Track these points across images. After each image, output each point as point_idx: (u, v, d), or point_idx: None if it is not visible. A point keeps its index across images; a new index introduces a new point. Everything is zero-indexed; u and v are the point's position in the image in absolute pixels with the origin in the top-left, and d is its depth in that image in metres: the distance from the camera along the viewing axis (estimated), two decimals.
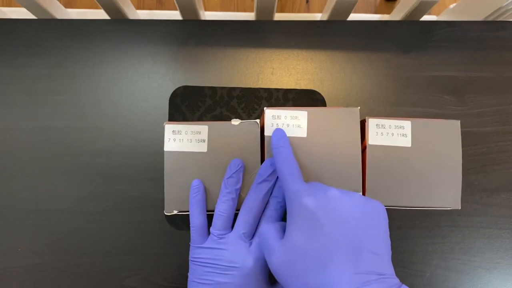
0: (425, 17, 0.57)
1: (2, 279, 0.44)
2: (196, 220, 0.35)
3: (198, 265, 0.34)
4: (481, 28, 0.49)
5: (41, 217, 0.44)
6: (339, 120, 0.35)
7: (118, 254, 0.44)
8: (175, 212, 0.36)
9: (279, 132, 0.34)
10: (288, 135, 0.35)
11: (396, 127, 0.35)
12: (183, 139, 0.35)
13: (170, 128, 0.36)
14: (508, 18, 0.51)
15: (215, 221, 0.34)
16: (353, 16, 0.55)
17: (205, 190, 0.36)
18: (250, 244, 0.33)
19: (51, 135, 0.46)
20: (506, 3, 0.48)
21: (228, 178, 0.34)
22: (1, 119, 0.46)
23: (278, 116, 0.35)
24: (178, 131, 0.36)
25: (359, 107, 0.35)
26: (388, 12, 0.64)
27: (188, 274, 0.35)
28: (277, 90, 0.47)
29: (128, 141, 0.46)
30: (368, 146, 0.35)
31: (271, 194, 0.34)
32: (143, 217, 0.45)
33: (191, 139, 0.35)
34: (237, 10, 1.15)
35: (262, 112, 0.37)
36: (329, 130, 0.35)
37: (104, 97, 0.47)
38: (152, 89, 0.47)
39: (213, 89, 0.47)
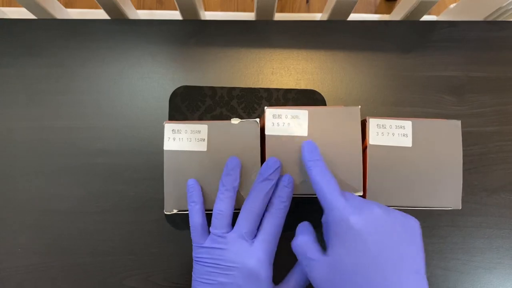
0: (425, 17, 0.57)
1: (2, 279, 0.44)
2: (195, 219, 0.35)
3: (201, 264, 0.34)
4: (481, 28, 0.49)
5: (41, 217, 0.44)
6: (340, 119, 0.35)
7: (118, 254, 0.44)
8: (174, 211, 0.36)
9: (311, 144, 0.34)
10: (288, 134, 0.35)
11: (396, 127, 0.35)
12: (182, 138, 0.35)
13: (169, 127, 0.36)
14: (508, 18, 0.51)
15: (213, 220, 0.34)
16: (353, 16, 0.55)
17: (204, 189, 0.35)
18: (252, 243, 0.33)
19: (51, 135, 0.46)
20: (506, 3, 0.48)
21: (225, 176, 0.34)
22: (1, 119, 0.46)
23: (279, 115, 0.35)
24: (177, 130, 0.35)
25: (359, 106, 0.35)
26: (388, 12, 0.64)
27: (192, 273, 0.35)
28: (277, 90, 0.47)
29: (128, 141, 0.46)
30: (368, 146, 0.35)
31: (273, 193, 0.34)
32: (143, 217, 0.45)
33: (190, 138, 0.35)
34: (237, 10, 1.15)
35: (263, 112, 0.37)
36: (330, 129, 0.35)
37: (104, 97, 0.47)
38: (152, 89, 0.47)
39: (213, 89, 0.47)
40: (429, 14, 0.61)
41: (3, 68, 0.47)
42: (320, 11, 1.15)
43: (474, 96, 0.47)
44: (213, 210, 0.34)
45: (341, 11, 0.52)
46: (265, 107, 0.35)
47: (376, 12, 1.16)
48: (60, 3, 0.56)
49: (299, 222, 0.45)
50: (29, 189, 0.45)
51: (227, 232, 0.33)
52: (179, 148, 0.35)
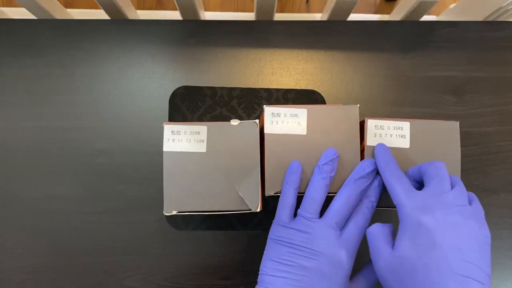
0: (425, 17, 0.57)
1: (2, 279, 0.44)
2: (288, 199, 0.34)
3: (281, 244, 0.33)
4: (481, 28, 0.49)
5: (41, 217, 0.45)
6: (338, 118, 0.35)
7: (118, 254, 0.44)
8: (174, 212, 0.36)
9: (383, 146, 0.34)
10: (287, 132, 0.35)
11: (394, 128, 0.35)
12: (182, 139, 0.35)
13: (169, 129, 0.36)
14: (508, 18, 0.51)
15: (305, 204, 0.34)
16: (353, 16, 0.55)
17: (204, 190, 0.35)
18: (341, 235, 0.33)
19: (51, 135, 0.46)
20: (506, 3, 0.48)
21: (323, 164, 0.34)
22: (1, 119, 0.46)
23: (277, 114, 0.35)
24: (177, 132, 0.35)
25: (358, 105, 0.35)
26: (388, 12, 0.63)
27: (265, 251, 0.35)
28: (277, 90, 0.47)
29: (128, 141, 0.46)
30: (366, 147, 0.35)
31: (367, 193, 0.34)
32: (143, 217, 0.45)
33: (190, 139, 0.35)
34: (237, 10, 1.15)
35: (262, 111, 0.37)
36: (328, 128, 0.35)
37: (104, 97, 0.47)
38: (152, 89, 0.47)
39: (213, 89, 0.47)
40: (429, 14, 0.61)
41: (3, 68, 0.47)
42: (320, 11, 1.15)
43: (474, 96, 0.47)
44: (305, 194, 0.34)
45: (341, 11, 0.52)
46: (264, 106, 0.35)
47: (376, 12, 1.16)
48: (60, 3, 0.56)
49: None
50: (29, 189, 0.45)
51: (317, 218, 0.33)
52: (179, 149, 0.35)
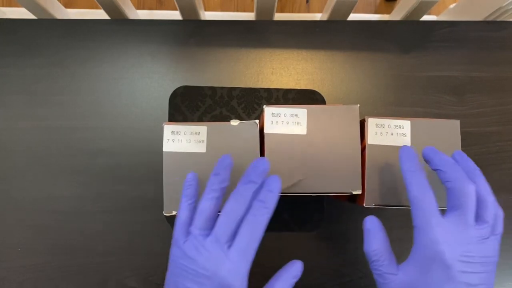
0: (425, 17, 0.57)
1: (2, 279, 0.44)
2: (182, 214, 0.32)
3: (174, 265, 0.31)
4: (481, 28, 0.49)
5: (41, 217, 0.45)
6: (338, 118, 0.35)
7: (118, 254, 0.44)
8: (174, 213, 0.36)
9: (409, 151, 0.32)
10: (287, 132, 0.35)
11: (395, 126, 0.35)
12: (182, 139, 0.35)
13: (169, 129, 0.36)
14: (508, 18, 0.51)
15: (196, 218, 0.31)
16: (353, 16, 0.55)
17: (200, 188, 0.34)
18: (227, 251, 0.29)
19: (51, 135, 0.46)
20: (506, 3, 0.48)
21: (214, 175, 0.32)
22: (1, 119, 0.46)
23: (277, 114, 0.35)
24: (177, 132, 0.35)
25: (358, 105, 0.35)
26: (388, 12, 0.63)
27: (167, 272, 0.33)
28: (277, 90, 0.47)
29: (128, 141, 0.46)
30: (367, 145, 0.35)
31: (256, 197, 0.31)
32: (143, 217, 0.45)
33: (190, 140, 0.35)
34: (237, 10, 1.15)
35: (262, 111, 0.37)
36: (328, 128, 0.35)
37: (104, 97, 0.47)
38: (152, 89, 0.47)
39: (213, 89, 0.47)
40: (429, 14, 0.61)
41: (3, 68, 0.47)
42: (320, 11, 1.15)
43: (474, 96, 0.47)
44: (197, 208, 0.32)
45: (341, 11, 0.52)
46: (264, 106, 0.35)
47: (376, 12, 1.16)
48: (60, 3, 0.56)
49: (298, 222, 0.45)
50: (29, 189, 0.45)
51: (207, 235, 0.30)
52: (179, 150, 0.35)
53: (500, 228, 0.30)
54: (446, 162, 0.31)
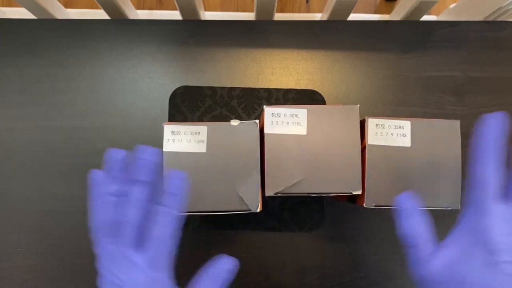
0: (425, 17, 0.57)
1: (2, 279, 0.44)
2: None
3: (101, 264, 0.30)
4: (481, 28, 0.49)
5: (41, 217, 0.44)
6: (338, 118, 0.35)
7: None
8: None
9: (498, 117, 0.28)
10: (287, 132, 0.35)
11: (395, 127, 0.35)
12: (182, 139, 0.35)
13: (169, 129, 0.36)
14: (508, 18, 0.51)
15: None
16: (353, 16, 0.55)
17: (203, 190, 0.35)
18: (138, 259, 0.28)
19: (51, 135, 0.46)
20: (506, 3, 0.48)
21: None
22: (1, 119, 0.46)
23: (277, 114, 0.35)
24: (177, 132, 0.35)
25: (358, 105, 0.35)
26: (388, 12, 0.63)
27: None
28: (277, 90, 0.47)
29: (128, 141, 0.46)
30: (367, 146, 0.35)
31: (158, 200, 0.29)
32: None
33: (190, 140, 0.35)
34: (237, 10, 1.15)
35: (262, 112, 0.37)
36: (328, 128, 0.35)
37: (104, 97, 0.47)
38: (152, 89, 0.47)
39: (213, 89, 0.47)
40: (429, 14, 0.61)
41: (3, 68, 0.47)
42: (320, 11, 1.15)
43: (474, 96, 0.47)
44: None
45: (341, 11, 0.52)
46: (264, 106, 0.35)
47: (376, 12, 1.16)
48: (60, 3, 0.56)
49: (298, 222, 0.45)
50: (29, 189, 0.45)
51: (114, 242, 0.29)
52: (179, 150, 0.35)
53: None
54: None
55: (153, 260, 0.28)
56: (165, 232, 0.29)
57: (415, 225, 0.30)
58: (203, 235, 0.45)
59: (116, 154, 0.30)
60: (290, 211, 0.45)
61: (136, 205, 0.28)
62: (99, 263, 0.29)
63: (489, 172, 0.27)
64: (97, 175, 0.31)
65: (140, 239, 0.28)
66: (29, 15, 0.54)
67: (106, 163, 0.30)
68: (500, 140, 0.27)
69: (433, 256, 0.29)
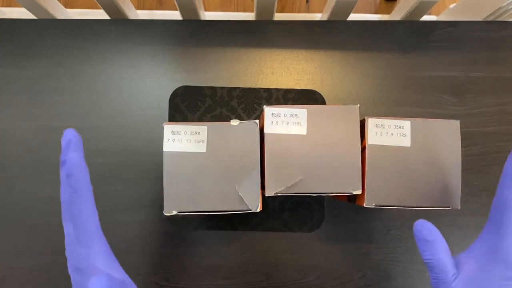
0: (425, 17, 0.57)
1: (2, 279, 0.44)
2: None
3: None
4: (481, 28, 0.49)
5: (41, 217, 0.45)
6: (338, 118, 0.35)
7: (118, 254, 0.44)
8: (174, 212, 0.36)
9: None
10: (287, 132, 0.35)
11: (395, 127, 0.35)
12: (182, 139, 0.35)
13: (169, 129, 0.36)
14: (508, 18, 0.51)
15: None
16: (353, 16, 0.55)
17: (203, 190, 0.35)
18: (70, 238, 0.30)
19: (51, 135, 0.46)
20: (506, 3, 0.48)
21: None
22: (1, 119, 0.46)
23: (277, 114, 0.35)
24: (177, 132, 0.35)
25: (358, 105, 0.35)
26: (388, 12, 0.63)
27: None
28: (277, 90, 0.47)
29: (128, 141, 0.46)
30: (367, 145, 0.35)
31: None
32: (143, 217, 0.45)
33: (190, 140, 0.35)
34: (237, 10, 1.15)
35: (262, 112, 0.37)
36: (328, 128, 0.35)
37: (104, 97, 0.47)
38: (152, 89, 0.47)
39: (213, 89, 0.47)
40: (429, 14, 0.61)
41: (3, 68, 0.47)
42: (320, 11, 1.15)
43: (474, 96, 0.47)
44: None
45: (341, 11, 0.52)
46: (264, 106, 0.35)
47: (376, 12, 1.16)
48: (60, 3, 0.56)
49: (298, 222, 0.45)
50: (29, 189, 0.45)
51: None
52: (179, 150, 0.35)
53: None
54: None
55: (75, 238, 0.30)
56: (83, 209, 0.30)
57: (435, 253, 0.31)
58: (203, 235, 0.45)
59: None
60: (290, 211, 0.45)
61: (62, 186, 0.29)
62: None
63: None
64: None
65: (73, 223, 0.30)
66: (29, 15, 0.54)
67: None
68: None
69: (454, 277, 0.30)
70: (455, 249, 0.44)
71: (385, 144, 0.35)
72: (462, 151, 0.36)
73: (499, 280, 0.28)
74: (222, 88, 0.47)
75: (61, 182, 0.29)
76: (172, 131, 0.36)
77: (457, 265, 0.31)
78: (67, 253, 0.31)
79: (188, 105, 0.46)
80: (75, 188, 0.29)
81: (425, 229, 0.32)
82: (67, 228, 0.30)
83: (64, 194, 0.29)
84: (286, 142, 0.35)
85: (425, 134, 0.35)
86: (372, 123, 0.35)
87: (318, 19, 0.60)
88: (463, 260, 0.31)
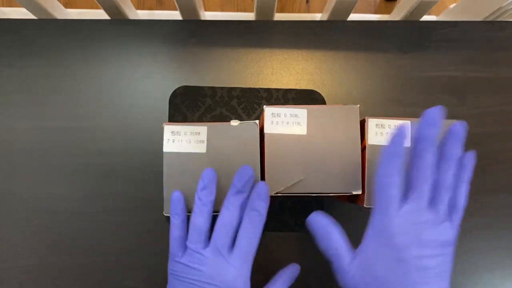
0: (425, 17, 0.57)
1: (2, 279, 0.44)
2: (174, 232, 0.34)
3: (178, 279, 0.33)
4: (481, 28, 0.49)
5: (41, 217, 0.44)
6: (338, 118, 0.35)
7: (118, 254, 0.44)
8: None
9: (402, 134, 0.31)
10: (287, 132, 0.35)
11: (395, 127, 0.35)
12: (182, 140, 0.35)
13: (169, 129, 0.36)
14: (508, 18, 0.51)
15: (191, 234, 0.33)
16: (353, 16, 0.55)
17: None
18: (229, 259, 0.32)
19: (51, 135, 0.46)
20: (506, 3, 0.48)
21: (201, 189, 0.33)
22: (1, 119, 0.46)
23: (278, 114, 0.35)
24: (177, 132, 0.36)
25: (358, 105, 0.35)
26: (388, 12, 0.63)
27: (167, 285, 0.35)
28: (277, 90, 0.47)
29: (128, 141, 0.46)
30: (367, 146, 0.35)
31: (248, 205, 0.33)
32: (143, 217, 0.45)
33: (190, 140, 0.35)
34: (237, 10, 1.15)
35: (262, 112, 0.37)
36: (329, 128, 0.35)
37: (104, 97, 0.47)
38: (152, 89, 0.47)
39: (213, 89, 0.47)
40: (429, 14, 0.61)
41: (3, 68, 0.47)
42: (320, 11, 1.15)
43: (474, 96, 0.47)
44: (190, 224, 0.33)
45: (341, 11, 0.52)
46: (264, 106, 0.35)
47: (376, 12, 1.16)
48: (60, 3, 0.56)
49: (298, 222, 0.45)
50: (29, 189, 0.45)
51: (204, 248, 0.33)
52: (179, 150, 0.35)
53: (457, 214, 0.31)
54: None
55: (244, 258, 0.32)
56: (255, 234, 0.33)
57: (330, 241, 0.33)
58: None
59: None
60: (290, 211, 0.45)
61: (232, 211, 0.33)
62: (183, 271, 0.33)
63: (392, 175, 0.30)
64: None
65: (233, 240, 0.33)
66: (29, 15, 0.54)
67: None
68: (402, 150, 0.30)
69: (351, 265, 0.31)
70: (455, 249, 0.44)
71: (385, 144, 0.35)
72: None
73: (395, 266, 0.29)
74: (222, 88, 0.47)
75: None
76: (172, 132, 0.36)
77: (357, 253, 0.32)
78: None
79: (188, 105, 0.46)
80: (263, 216, 0.33)
81: (317, 222, 0.34)
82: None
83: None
84: (286, 142, 0.35)
85: None
86: (372, 123, 0.35)
87: (318, 19, 0.60)
88: (359, 250, 0.32)
